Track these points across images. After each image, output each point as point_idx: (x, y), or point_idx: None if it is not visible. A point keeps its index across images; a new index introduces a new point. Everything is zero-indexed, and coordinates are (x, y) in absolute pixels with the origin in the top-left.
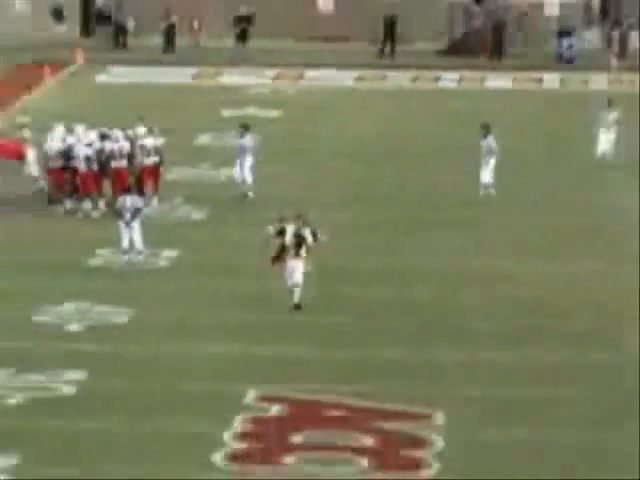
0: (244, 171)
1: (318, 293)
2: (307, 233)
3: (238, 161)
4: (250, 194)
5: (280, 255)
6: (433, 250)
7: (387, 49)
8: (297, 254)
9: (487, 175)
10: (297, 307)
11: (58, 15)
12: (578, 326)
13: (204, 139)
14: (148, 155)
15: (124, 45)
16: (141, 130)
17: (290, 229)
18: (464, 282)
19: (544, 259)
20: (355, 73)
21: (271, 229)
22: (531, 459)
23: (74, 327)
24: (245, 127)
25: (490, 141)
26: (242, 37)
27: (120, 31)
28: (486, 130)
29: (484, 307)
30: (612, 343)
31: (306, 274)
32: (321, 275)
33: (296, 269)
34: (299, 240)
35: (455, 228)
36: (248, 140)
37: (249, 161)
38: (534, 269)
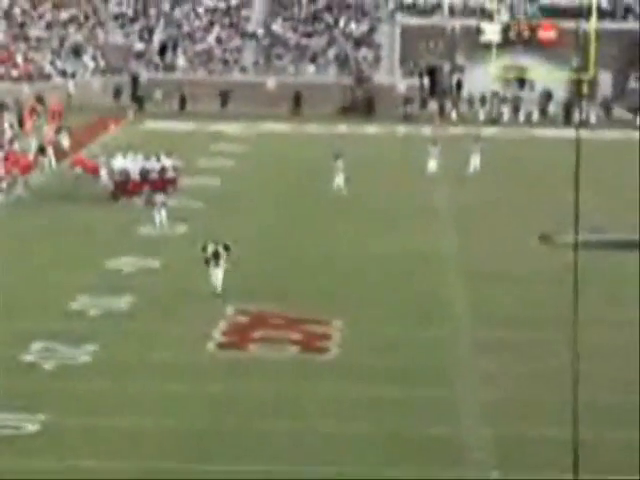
0: None
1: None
2: (221, 248)
3: None
4: None
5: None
6: None
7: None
8: (216, 264)
9: None
10: (219, 295)
11: (117, 93)
12: None
13: (202, 162)
14: (171, 170)
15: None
16: (169, 158)
17: (210, 247)
18: None
19: None
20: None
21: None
22: None
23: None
24: None
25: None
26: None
27: (146, 101)
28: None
29: None
30: None
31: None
32: None
33: (216, 275)
34: (216, 254)
35: None
36: None
37: None
38: None
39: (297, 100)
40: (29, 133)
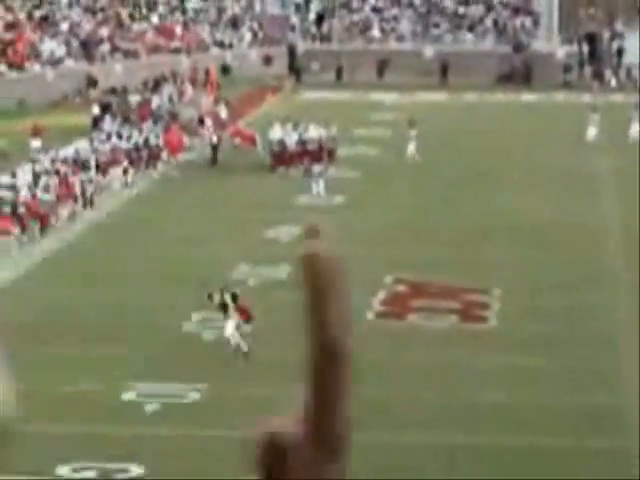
0: None
1: None
2: (228, 298)
3: None
4: None
5: None
6: None
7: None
8: (225, 316)
9: None
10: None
11: (268, 61)
12: None
13: (359, 132)
14: (329, 140)
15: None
16: (326, 128)
17: (216, 298)
18: None
19: None
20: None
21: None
22: None
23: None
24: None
25: None
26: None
27: (303, 72)
28: None
29: None
30: None
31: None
32: None
33: (227, 326)
34: (224, 305)
35: None
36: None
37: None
38: None
39: (444, 70)
40: (189, 104)
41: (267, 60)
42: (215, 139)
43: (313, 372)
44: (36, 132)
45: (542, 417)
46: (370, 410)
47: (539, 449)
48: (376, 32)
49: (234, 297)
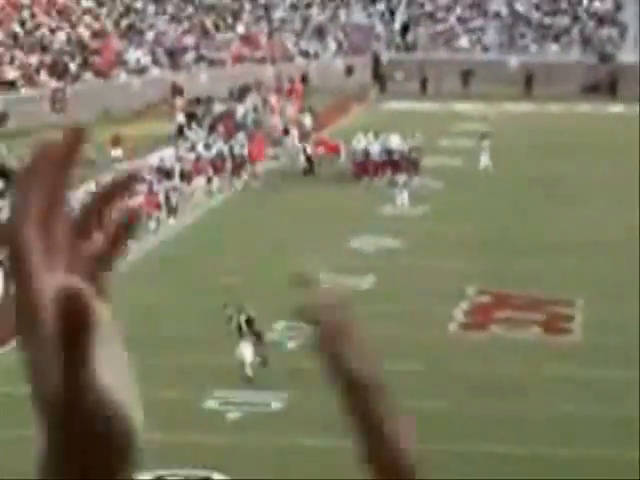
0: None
1: None
2: (243, 320)
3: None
4: None
5: None
6: None
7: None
8: (242, 339)
9: None
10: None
11: (349, 71)
12: None
13: (444, 142)
14: (413, 150)
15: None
16: (411, 138)
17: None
18: None
19: None
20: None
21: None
22: None
23: None
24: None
25: None
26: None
27: (387, 80)
28: None
29: None
30: None
31: None
32: None
33: (242, 349)
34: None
35: None
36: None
37: None
38: None
39: (529, 80)
40: (276, 113)
41: (349, 70)
42: (309, 149)
43: (350, 408)
44: (116, 142)
45: (630, 431)
46: (451, 423)
47: (626, 462)
48: (463, 42)
49: (248, 321)
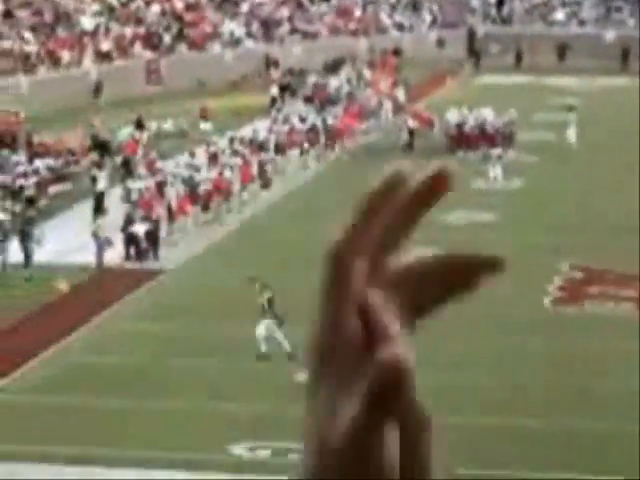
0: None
1: None
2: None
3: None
4: None
5: None
6: None
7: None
8: (263, 314)
9: None
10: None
11: (441, 44)
12: None
13: (538, 116)
14: (507, 124)
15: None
16: (506, 112)
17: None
18: None
19: None
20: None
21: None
22: None
23: None
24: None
25: None
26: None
27: (482, 55)
28: None
29: None
30: None
31: None
32: None
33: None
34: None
35: None
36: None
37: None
38: None
39: (625, 55)
40: (370, 86)
41: (440, 43)
42: (410, 123)
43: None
44: (204, 114)
45: None
46: (545, 397)
47: None
48: (559, 15)
49: (270, 301)
